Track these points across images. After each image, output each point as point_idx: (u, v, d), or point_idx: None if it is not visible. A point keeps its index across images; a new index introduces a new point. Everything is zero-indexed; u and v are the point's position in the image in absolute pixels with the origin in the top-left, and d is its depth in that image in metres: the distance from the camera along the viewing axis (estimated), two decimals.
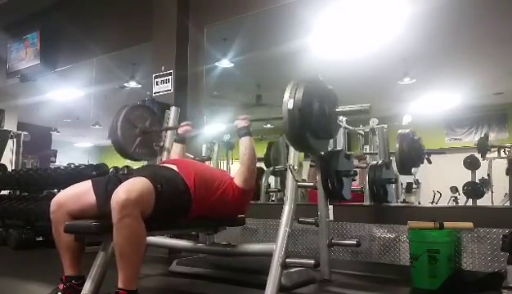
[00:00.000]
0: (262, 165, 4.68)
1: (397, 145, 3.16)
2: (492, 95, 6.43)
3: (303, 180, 3.02)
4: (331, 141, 3.46)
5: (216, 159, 4.78)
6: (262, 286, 1.91)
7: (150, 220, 1.71)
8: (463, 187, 5.11)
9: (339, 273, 2.71)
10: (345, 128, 3.69)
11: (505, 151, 5.05)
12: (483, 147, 5.01)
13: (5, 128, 6.15)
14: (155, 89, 3.90)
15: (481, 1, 3.86)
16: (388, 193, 3.11)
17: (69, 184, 1.97)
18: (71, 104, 7.29)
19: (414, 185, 6.44)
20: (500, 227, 2.39)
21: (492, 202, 5.03)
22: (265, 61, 5.06)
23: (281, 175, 4.52)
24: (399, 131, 3.31)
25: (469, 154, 5.29)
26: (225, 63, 4.94)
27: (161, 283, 2.61)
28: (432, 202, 5.83)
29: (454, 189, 5.71)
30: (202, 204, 1.97)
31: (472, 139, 6.97)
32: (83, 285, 1.82)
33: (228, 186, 2.09)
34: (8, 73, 5.92)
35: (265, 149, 4.86)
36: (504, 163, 4.82)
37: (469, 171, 5.20)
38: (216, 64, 4.81)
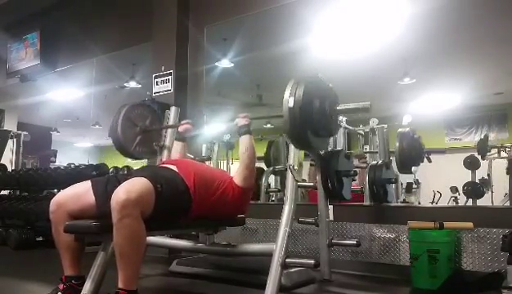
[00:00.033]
0: (262, 165, 4.68)
1: (397, 144, 3.16)
2: (492, 95, 6.43)
3: (303, 180, 3.02)
4: (331, 141, 3.46)
5: (216, 159, 4.78)
6: (262, 286, 1.91)
7: (150, 220, 1.71)
8: (463, 187, 5.11)
9: (339, 273, 2.71)
10: (345, 128, 3.69)
11: (505, 150, 5.05)
12: (483, 148, 5.01)
13: (5, 128, 6.16)
14: (155, 89, 3.90)
15: (481, 1, 3.86)
16: (388, 193, 3.12)
17: (69, 184, 1.97)
18: (71, 104, 7.29)
19: (414, 185, 6.44)
20: (500, 227, 2.39)
21: (492, 202, 5.03)
22: (265, 61, 5.06)
23: (281, 175, 4.52)
24: (399, 129, 3.31)
25: (469, 154, 5.29)
26: (225, 63, 4.94)
27: (161, 283, 2.61)
28: (432, 202, 5.82)
29: (454, 189, 5.71)
30: (202, 204, 1.97)
31: (472, 139, 6.97)
32: (83, 285, 1.83)
33: (228, 186, 2.09)
34: (8, 73, 5.92)
35: (265, 149, 4.86)
36: (504, 163, 4.83)
37: (469, 171, 5.20)
38: (216, 64, 4.81)
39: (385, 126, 3.61)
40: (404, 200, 5.79)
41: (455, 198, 5.73)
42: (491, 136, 6.59)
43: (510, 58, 5.02)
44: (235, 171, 2.18)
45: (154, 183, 1.75)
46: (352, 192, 2.76)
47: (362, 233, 2.86)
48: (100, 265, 1.85)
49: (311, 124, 1.83)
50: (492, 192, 5.18)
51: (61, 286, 1.88)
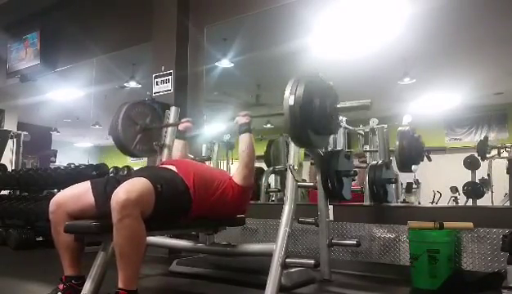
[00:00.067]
0: (262, 165, 4.68)
1: (397, 143, 3.16)
2: (492, 95, 6.43)
3: (303, 180, 3.01)
4: (331, 141, 3.46)
5: (216, 159, 4.78)
6: (262, 286, 1.91)
7: (150, 220, 1.71)
8: (463, 187, 5.11)
9: (339, 273, 2.71)
10: (345, 128, 3.69)
11: (505, 149, 5.05)
12: (483, 149, 5.01)
13: (5, 128, 6.16)
14: (155, 89, 3.90)
15: (481, 1, 3.86)
16: (388, 193, 3.11)
17: (69, 184, 1.97)
18: (71, 104, 7.29)
19: (414, 185, 6.44)
20: (500, 227, 2.39)
21: (492, 202, 5.03)
22: (265, 61, 5.06)
23: (281, 175, 4.51)
24: (399, 128, 3.31)
25: (469, 154, 5.28)
26: (225, 63, 4.94)
27: (161, 283, 2.61)
28: (432, 202, 5.82)
29: (454, 189, 5.71)
30: (202, 204, 1.97)
31: (472, 139, 6.97)
32: (83, 285, 1.83)
33: (228, 186, 2.09)
34: (8, 73, 5.92)
35: (265, 148, 4.85)
36: (504, 163, 4.83)
37: (469, 171, 5.20)
38: (216, 64, 4.81)
39: (385, 126, 3.61)
40: (404, 200, 5.79)
41: (455, 198, 5.73)
42: (491, 136, 6.60)
43: (510, 58, 5.02)
44: (235, 170, 2.19)
45: (154, 183, 1.75)
46: (352, 192, 2.76)
47: (362, 233, 2.86)
48: (100, 265, 1.85)
49: (311, 122, 1.83)
50: (492, 192, 5.18)
51: (61, 286, 1.88)
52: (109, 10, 4.95)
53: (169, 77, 3.85)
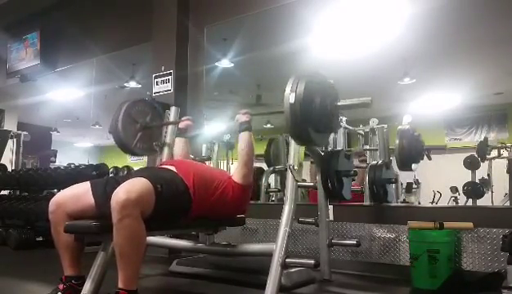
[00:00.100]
0: (262, 165, 4.67)
1: (397, 141, 3.16)
2: (492, 95, 6.43)
3: (303, 180, 3.01)
4: (331, 141, 3.46)
5: (216, 159, 4.77)
6: (262, 286, 1.91)
7: (150, 220, 1.71)
8: (463, 187, 5.11)
9: (339, 273, 2.71)
10: (345, 128, 3.69)
11: (505, 148, 5.05)
12: (483, 151, 5.01)
13: (5, 128, 6.16)
14: (155, 89, 3.90)
15: (481, 1, 3.86)
16: (388, 193, 3.11)
17: (69, 185, 1.97)
18: (71, 104, 7.29)
19: (414, 185, 6.44)
20: (500, 227, 2.38)
21: (492, 202, 5.03)
22: (265, 61, 5.06)
23: (281, 175, 4.51)
24: (399, 126, 3.31)
25: (469, 154, 5.28)
26: (225, 63, 4.94)
27: (161, 283, 2.61)
28: (432, 202, 5.82)
29: (454, 189, 5.71)
30: (202, 204, 1.97)
31: (472, 139, 6.97)
32: (83, 285, 1.83)
33: (228, 186, 2.09)
34: (8, 73, 5.92)
35: (265, 147, 4.85)
36: (504, 163, 4.83)
37: (469, 171, 5.20)
38: (216, 64, 4.81)
39: (385, 126, 3.61)
40: (404, 200, 5.79)
41: (455, 198, 5.73)
42: (491, 136, 6.60)
43: (510, 58, 5.02)
44: (234, 169, 2.19)
45: (154, 183, 1.75)
46: (352, 192, 2.76)
47: (362, 233, 2.86)
48: (100, 265, 1.85)
49: (312, 120, 1.82)
50: (492, 192, 5.17)
51: (61, 286, 1.88)
52: (109, 10, 4.95)
53: (169, 77, 3.85)
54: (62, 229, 1.78)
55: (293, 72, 1.87)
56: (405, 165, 3.20)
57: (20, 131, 5.56)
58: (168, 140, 2.68)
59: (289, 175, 2.21)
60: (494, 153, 5.13)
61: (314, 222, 2.57)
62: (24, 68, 5.70)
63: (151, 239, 2.31)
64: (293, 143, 2.31)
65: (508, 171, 4.47)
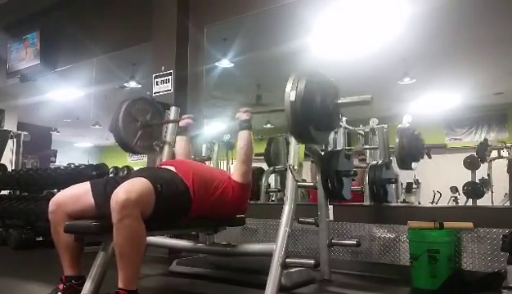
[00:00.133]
0: (262, 165, 4.68)
1: (397, 140, 3.16)
2: (492, 95, 6.42)
3: (303, 180, 3.01)
4: (331, 141, 3.46)
5: (216, 159, 4.77)
6: (262, 286, 1.91)
7: (150, 220, 1.71)
8: (463, 187, 5.10)
9: (339, 273, 2.71)
10: (345, 128, 3.69)
11: (505, 146, 5.05)
12: (482, 152, 5.01)
13: (5, 128, 6.16)
14: (155, 89, 3.90)
15: (481, 1, 3.86)
16: (388, 193, 3.12)
17: (69, 185, 1.97)
18: (71, 104, 7.29)
19: (414, 185, 6.43)
20: (500, 227, 2.39)
21: (492, 202, 5.02)
22: (265, 61, 5.06)
23: (281, 175, 4.51)
24: (399, 125, 3.31)
25: (469, 154, 5.28)
26: (225, 63, 4.94)
27: (161, 283, 2.61)
28: (432, 202, 5.82)
29: (454, 189, 5.70)
30: (202, 204, 1.97)
31: (472, 139, 6.97)
32: (83, 285, 1.83)
33: (228, 185, 2.10)
34: (8, 73, 5.92)
35: (265, 146, 4.85)
36: (504, 163, 4.83)
37: (469, 171, 5.20)
38: (216, 64, 4.81)
39: (385, 126, 3.61)
40: (404, 200, 5.79)
41: (455, 198, 5.73)
42: (491, 136, 6.60)
43: (510, 58, 5.02)
44: (234, 168, 2.19)
45: (153, 183, 1.75)
46: (352, 192, 2.76)
47: (362, 233, 2.86)
48: (100, 265, 1.85)
49: (312, 118, 1.83)
50: (492, 192, 5.17)
51: (61, 286, 1.88)
52: (109, 10, 4.95)
53: (169, 77, 3.85)
54: (62, 229, 1.78)
55: (293, 71, 1.87)
56: (405, 164, 3.20)
57: (20, 131, 5.56)
58: (168, 138, 2.68)
59: (289, 175, 2.21)
60: (494, 153, 5.13)
61: (314, 222, 2.57)
62: (24, 68, 5.70)
63: (151, 239, 2.31)
64: (293, 143, 2.31)
65: (508, 171, 4.47)
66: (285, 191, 2.20)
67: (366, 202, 3.21)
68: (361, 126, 3.97)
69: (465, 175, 5.19)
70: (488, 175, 5.26)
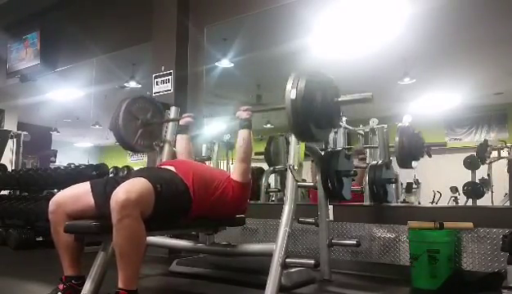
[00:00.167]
0: (262, 165, 4.67)
1: (397, 138, 3.16)
2: (492, 95, 6.43)
3: (303, 180, 3.01)
4: (331, 141, 3.46)
5: (216, 159, 4.77)
6: (262, 286, 1.91)
7: (150, 220, 1.71)
8: (463, 187, 5.11)
9: (339, 273, 2.71)
10: (345, 128, 3.69)
11: (506, 147, 5.06)
12: (483, 154, 5.01)
13: (5, 128, 6.16)
14: (155, 89, 3.90)
15: (481, 1, 3.86)
16: (388, 193, 3.11)
17: (69, 185, 1.97)
18: (71, 104, 7.30)
19: (414, 185, 6.44)
20: (500, 227, 2.39)
21: (492, 202, 5.03)
22: (265, 61, 5.06)
23: (281, 175, 4.51)
24: (399, 124, 3.31)
25: (469, 154, 5.29)
26: (225, 63, 4.94)
27: (161, 283, 2.61)
28: (432, 202, 5.82)
29: (454, 189, 5.71)
30: (202, 204, 1.97)
31: (472, 139, 6.97)
32: (83, 285, 1.83)
33: (228, 186, 2.09)
34: (8, 73, 5.92)
35: (265, 145, 4.84)
36: (504, 162, 4.83)
37: (469, 171, 5.20)
38: (216, 64, 4.81)
39: (385, 126, 3.61)
40: (404, 200, 5.79)
41: (455, 198, 5.73)
42: (492, 136, 6.60)
43: (510, 58, 5.02)
44: (233, 167, 2.19)
45: (153, 183, 1.75)
46: (352, 192, 2.76)
47: (362, 233, 2.86)
48: (100, 265, 1.85)
49: (313, 116, 1.83)
50: (492, 192, 5.17)
51: (61, 286, 1.88)
52: (109, 10, 4.95)
53: (169, 77, 3.85)
54: (62, 229, 1.78)
55: (293, 70, 1.87)
56: (405, 162, 3.20)
57: (20, 131, 5.56)
58: (168, 136, 2.67)
59: (289, 175, 2.21)
60: (494, 153, 5.14)
61: (314, 222, 2.57)
62: (24, 68, 5.70)
63: (151, 239, 2.31)
64: (293, 143, 2.31)
65: (508, 171, 4.47)
66: (285, 191, 2.20)
67: (366, 202, 3.21)
68: (361, 126, 3.97)
69: (465, 175, 5.19)
70: (488, 175, 5.26)
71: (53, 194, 2.29)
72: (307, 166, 4.48)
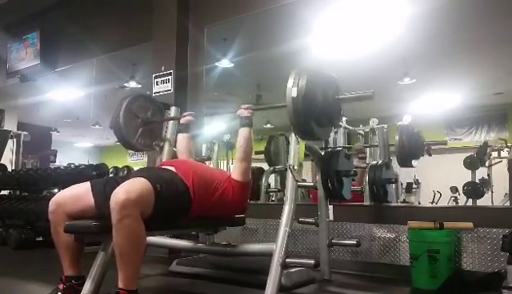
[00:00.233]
0: (262, 165, 4.67)
1: (397, 137, 3.16)
2: (492, 95, 6.43)
3: (303, 180, 3.02)
4: (331, 141, 3.46)
5: (216, 159, 4.77)
6: (262, 286, 1.91)
7: (150, 220, 1.71)
8: (463, 187, 5.11)
9: (339, 273, 2.71)
10: (345, 128, 3.69)
11: (506, 146, 5.06)
12: (483, 156, 5.01)
13: (5, 128, 6.16)
14: (155, 89, 3.90)
15: (481, 1, 3.86)
16: (388, 193, 3.11)
17: (69, 185, 1.97)
18: (71, 104, 7.30)
19: (414, 185, 6.44)
20: (500, 227, 2.39)
21: (492, 202, 5.03)
22: (265, 61, 5.06)
23: (281, 175, 4.51)
24: (399, 123, 3.31)
25: (469, 154, 5.29)
26: (225, 63, 4.94)
27: (161, 283, 2.61)
28: (432, 202, 5.82)
29: (454, 189, 5.71)
30: (202, 204, 1.97)
31: (472, 139, 6.98)
32: (83, 285, 1.83)
33: (228, 186, 2.09)
34: (8, 73, 5.92)
35: (265, 144, 4.84)
36: (504, 163, 4.83)
37: (469, 171, 5.20)
38: (216, 64, 4.81)
39: (385, 126, 3.61)
40: (404, 200, 5.79)
41: (455, 198, 5.73)
42: (492, 136, 6.60)
43: (510, 58, 5.02)
44: (233, 166, 2.18)
45: (153, 183, 1.75)
46: (352, 192, 2.76)
47: (362, 233, 2.86)
48: (100, 265, 1.85)
49: (314, 114, 1.83)
50: (492, 192, 5.18)
51: (61, 286, 1.88)
52: (109, 10, 4.95)
53: (169, 77, 3.85)
54: (62, 229, 1.78)
55: (294, 68, 1.87)
56: (405, 161, 3.20)
57: (20, 131, 5.57)
58: (168, 135, 2.67)
59: (289, 175, 2.21)
60: (494, 154, 5.14)
61: (314, 222, 2.57)
62: (24, 68, 5.70)
63: (151, 239, 2.31)
64: (293, 142, 2.31)
65: (508, 170, 4.46)
66: (285, 191, 2.20)
67: (366, 202, 3.21)
68: (361, 126, 3.97)
69: (465, 175, 5.20)
70: (488, 175, 5.26)
71: (53, 194, 2.29)
72: (307, 166, 4.48)
